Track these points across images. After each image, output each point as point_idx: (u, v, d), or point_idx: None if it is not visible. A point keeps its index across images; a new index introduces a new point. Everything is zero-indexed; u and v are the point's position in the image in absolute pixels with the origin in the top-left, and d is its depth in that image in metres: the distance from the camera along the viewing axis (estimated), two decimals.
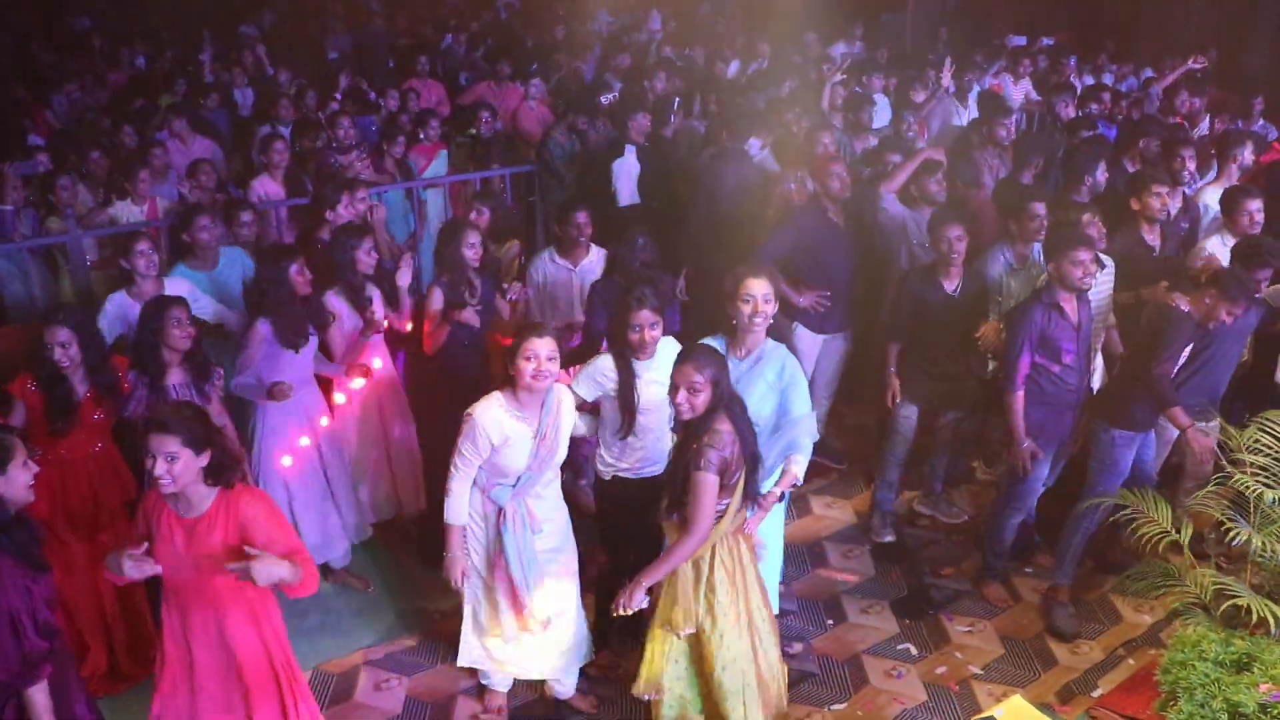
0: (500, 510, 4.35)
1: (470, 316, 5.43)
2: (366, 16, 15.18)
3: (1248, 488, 4.32)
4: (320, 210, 6.19)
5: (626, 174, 7.55)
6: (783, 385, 4.52)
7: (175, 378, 4.81)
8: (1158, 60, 13.09)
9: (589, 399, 4.62)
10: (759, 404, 4.43)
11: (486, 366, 5.82)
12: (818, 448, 6.69)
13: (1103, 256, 5.85)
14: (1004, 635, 5.41)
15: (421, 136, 8.12)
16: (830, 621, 5.51)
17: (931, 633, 5.44)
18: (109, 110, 9.86)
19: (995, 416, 6.08)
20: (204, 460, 3.57)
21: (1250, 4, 13.02)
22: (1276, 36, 12.75)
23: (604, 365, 4.57)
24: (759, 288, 4.42)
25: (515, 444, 4.24)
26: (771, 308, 4.48)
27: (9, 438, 3.57)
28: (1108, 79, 12.50)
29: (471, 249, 5.50)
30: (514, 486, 4.32)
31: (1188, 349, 5.12)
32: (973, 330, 5.74)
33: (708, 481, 3.82)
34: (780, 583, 5.64)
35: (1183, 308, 5.02)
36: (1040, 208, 5.91)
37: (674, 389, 3.89)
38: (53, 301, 6.32)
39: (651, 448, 4.65)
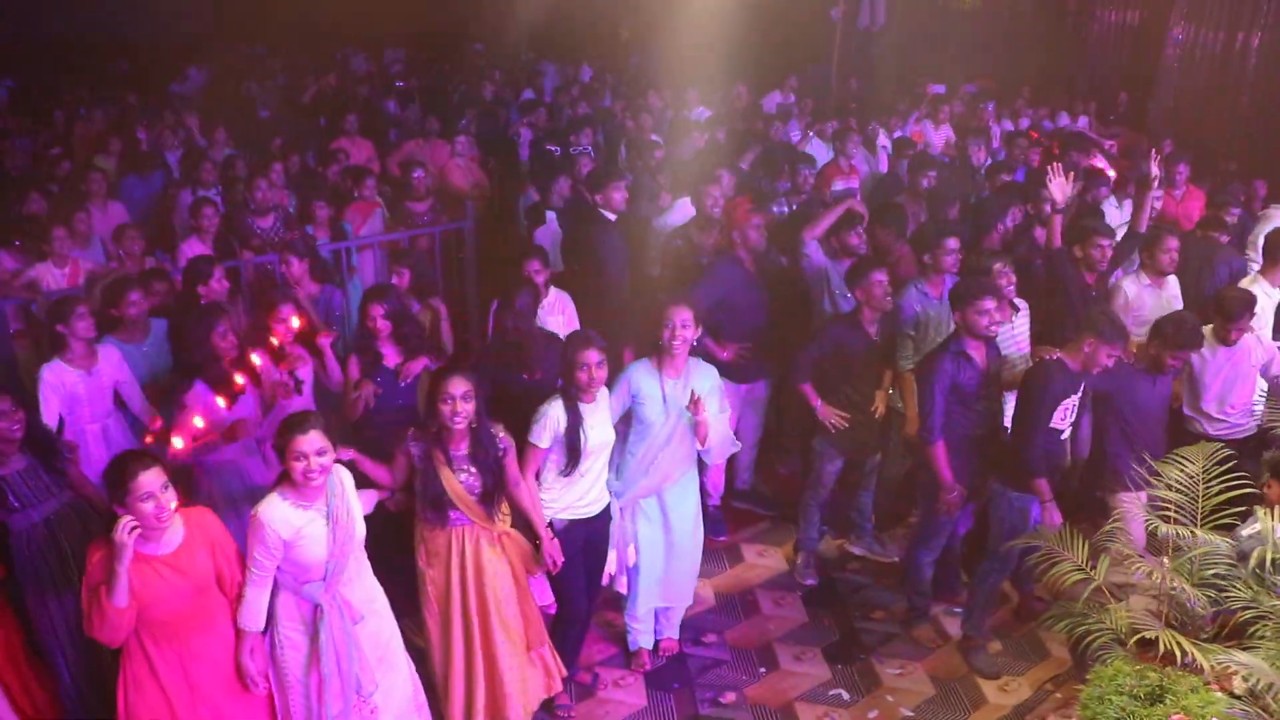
0: (317, 607, 4.14)
1: (369, 392, 5.39)
2: (297, 75, 15.23)
3: (1149, 523, 4.43)
4: (190, 285, 6.05)
5: (550, 241, 7.59)
6: (717, 394, 5.05)
7: (17, 465, 4.61)
8: (1072, 103, 13.55)
9: (547, 446, 4.70)
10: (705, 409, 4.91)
11: None
12: (747, 496, 6.88)
13: (1017, 301, 6.04)
14: (934, 676, 5.49)
15: (356, 195, 8.12)
16: (763, 670, 5.54)
17: (863, 676, 5.50)
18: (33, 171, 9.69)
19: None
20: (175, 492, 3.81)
21: (1156, 48, 13.52)
22: (1181, 79, 13.24)
23: (554, 411, 4.67)
24: (677, 315, 4.88)
25: (308, 538, 4.05)
26: (690, 333, 4.92)
27: None
28: (1024, 123, 12.90)
29: (373, 321, 5.46)
30: (324, 580, 4.12)
31: (1071, 402, 5.17)
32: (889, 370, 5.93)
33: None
34: (712, 633, 5.74)
35: (1052, 357, 5.11)
36: (953, 242, 6.11)
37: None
38: None
39: (588, 489, 4.83)
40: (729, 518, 6.81)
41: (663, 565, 5.26)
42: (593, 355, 4.64)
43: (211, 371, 5.15)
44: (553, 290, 6.40)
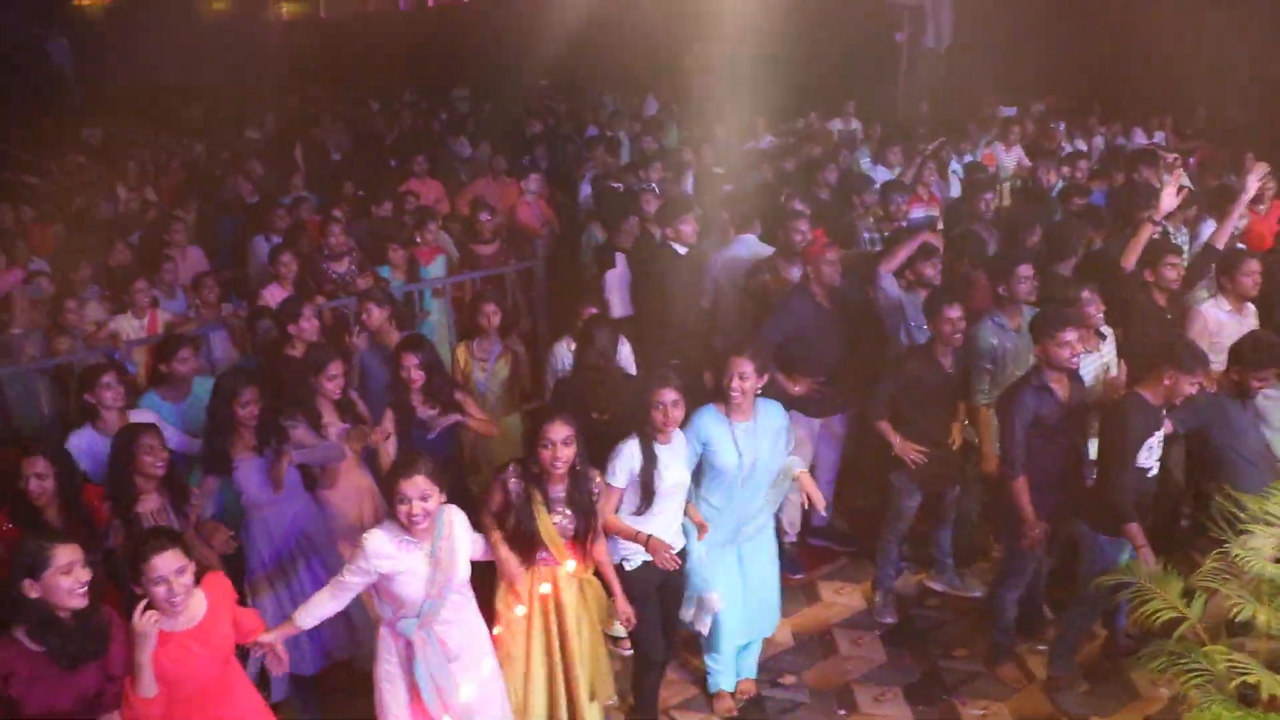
0: (409, 643, 4.19)
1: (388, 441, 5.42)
2: (366, 118, 15.55)
3: (1248, 562, 4.26)
4: (283, 324, 6.13)
5: (618, 283, 7.59)
6: (786, 434, 5.04)
7: (150, 504, 4.76)
8: (1146, 118, 13.26)
9: (623, 486, 4.71)
10: (773, 456, 4.98)
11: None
12: (823, 532, 6.78)
13: (1104, 328, 5.90)
14: (1019, 716, 5.34)
15: (418, 240, 8.23)
16: (842, 711, 5.43)
17: (945, 718, 5.37)
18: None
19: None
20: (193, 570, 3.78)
21: (1230, 59, 13.18)
22: (1260, 89, 12.89)
23: (629, 450, 4.69)
24: (738, 366, 4.82)
25: (408, 573, 4.11)
26: (750, 384, 4.84)
27: (46, 545, 3.63)
28: (1098, 140, 12.65)
29: (407, 371, 5.48)
30: (418, 617, 4.16)
31: (1156, 439, 5.00)
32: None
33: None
34: (790, 674, 5.65)
35: (1134, 392, 4.95)
36: (1027, 269, 5.98)
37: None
38: (60, 420, 6.42)
39: (663, 532, 4.79)
40: (805, 555, 6.72)
41: (741, 601, 5.18)
42: (669, 394, 4.65)
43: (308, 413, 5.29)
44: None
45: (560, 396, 5.77)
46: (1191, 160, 11.74)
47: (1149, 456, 5.00)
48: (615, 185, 9.37)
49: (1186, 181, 9.52)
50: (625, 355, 6.19)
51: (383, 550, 4.08)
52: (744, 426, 4.91)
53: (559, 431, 4.37)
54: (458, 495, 5.49)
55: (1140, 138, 12.71)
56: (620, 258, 7.59)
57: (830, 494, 6.82)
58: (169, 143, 13.76)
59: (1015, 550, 5.37)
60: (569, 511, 4.49)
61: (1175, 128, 13.04)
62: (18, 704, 3.53)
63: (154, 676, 3.64)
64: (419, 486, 4.03)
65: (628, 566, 4.81)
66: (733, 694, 5.45)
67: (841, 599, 6.42)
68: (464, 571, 4.26)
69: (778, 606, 5.45)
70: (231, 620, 4.03)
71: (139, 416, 5.37)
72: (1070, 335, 5.00)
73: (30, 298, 7.55)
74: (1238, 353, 5.30)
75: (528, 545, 4.45)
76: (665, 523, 4.83)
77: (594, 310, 6.30)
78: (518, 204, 9.85)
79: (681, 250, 7.12)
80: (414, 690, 4.22)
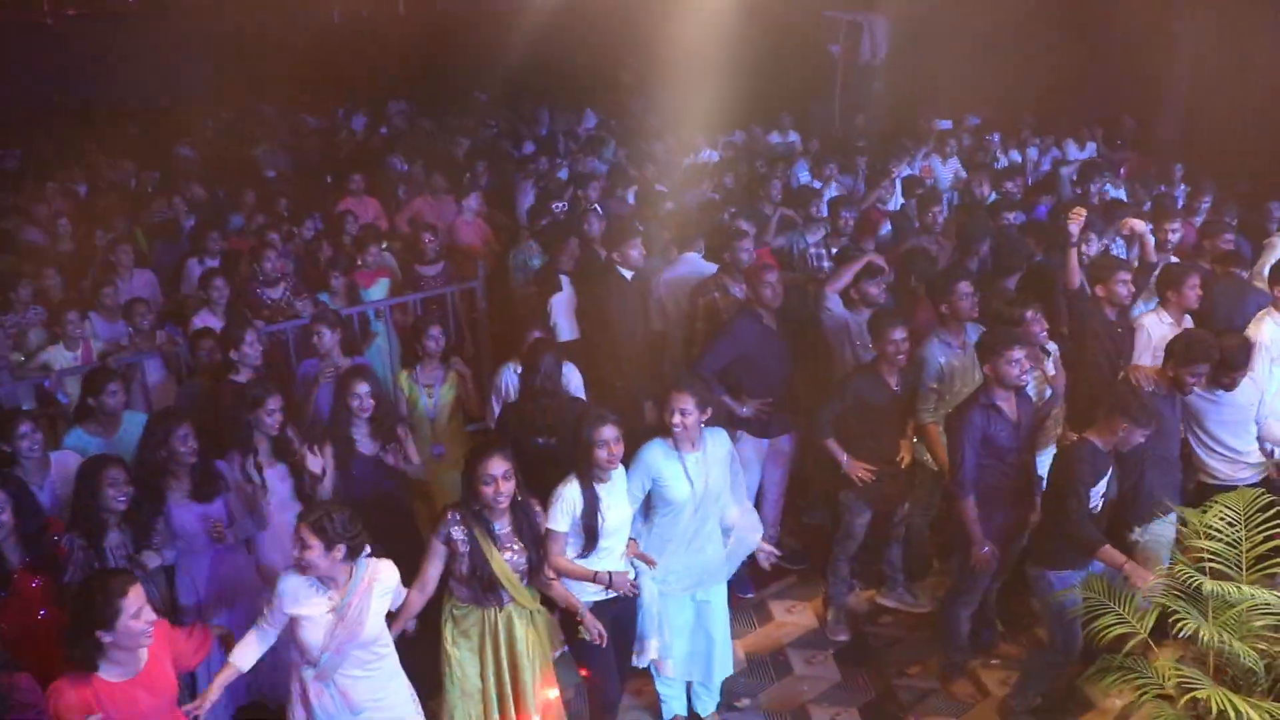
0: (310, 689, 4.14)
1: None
2: (301, 136, 15.29)
3: (1190, 578, 4.30)
4: (225, 349, 6.02)
5: (563, 307, 7.46)
6: (733, 462, 5.04)
7: (112, 539, 4.69)
8: (1076, 130, 13.49)
9: (565, 530, 4.59)
10: (722, 481, 4.98)
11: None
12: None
13: (1049, 344, 5.95)
14: None
15: (360, 262, 8.09)
16: None
17: None
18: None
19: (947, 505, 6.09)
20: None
21: (1160, 72, 13.49)
22: (1188, 101, 13.19)
23: (571, 494, 4.58)
24: (679, 401, 4.77)
25: (310, 621, 4.03)
26: (693, 418, 4.78)
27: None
28: (1032, 152, 12.85)
29: (358, 399, 5.43)
30: (315, 667, 4.09)
31: (1103, 485, 5.01)
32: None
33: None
34: (745, 697, 5.62)
35: (1085, 439, 4.96)
36: (966, 286, 6.01)
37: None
38: None
39: (609, 570, 4.70)
40: (755, 573, 6.64)
41: (691, 641, 5.13)
42: (610, 432, 4.54)
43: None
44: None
45: (505, 422, 5.70)
46: (1122, 171, 11.98)
47: (1096, 496, 5.01)
48: (556, 205, 9.25)
49: (1119, 193, 9.74)
50: (575, 382, 6.13)
51: (292, 593, 4.04)
52: (694, 457, 4.86)
53: (498, 466, 4.29)
54: (403, 533, 5.42)
55: (1073, 150, 12.93)
56: (565, 280, 7.50)
57: (778, 512, 6.82)
58: (97, 162, 13.32)
59: (965, 570, 5.39)
60: (518, 545, 4.41)
61: (1105, 139, 13.28)
62: None
63: None
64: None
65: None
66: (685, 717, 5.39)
67: (793, 617, 6.40)
68: (372, 630, 4.12)
69: (730, 655, 5.34)
70: (173, 659, 3.94)
71: (63, 458, 5.24)
72: (1018, 354, 5.04)
73: None
74: (1171, 350, 5.41)
75: (489, 588, 4.35)
76: (610, 562, 4.72)
77: (539, 334, 6.22)
78: (457, 223, 9.73)
79: (627, 274, 7.07)
80: None
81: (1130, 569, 4.78)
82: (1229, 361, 5.45)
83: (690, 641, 5.14)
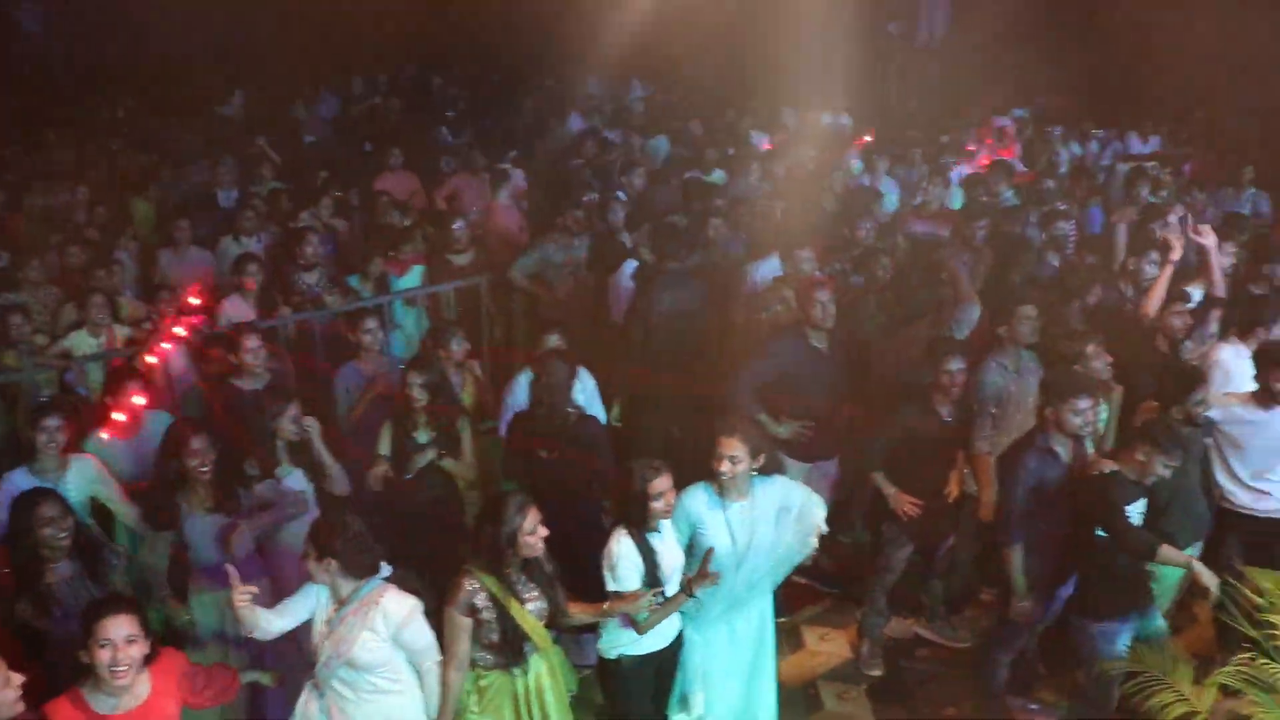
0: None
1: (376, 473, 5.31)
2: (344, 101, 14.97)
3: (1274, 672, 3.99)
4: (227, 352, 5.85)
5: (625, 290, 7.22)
6: (794, 507, 4.61)
7: (63, 571, 4.38)
8: (1141, 122, 12.96)
9: (636, 587, 4.29)
10: (775, 536, 4.58)
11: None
12: (809, 572, 6.50)
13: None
14: None
15: (391, 254, 7.84)
16: None
17: None
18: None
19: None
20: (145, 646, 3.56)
21: (1230, 62, 12.87)
22: (1261, 97, 12.55)
23: (626, 551, 4.28)
24: (727, 448, 4.42)
25: (314, 623, 3.98)
26: (743, 466, 4.45)
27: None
28: (1093, 146, 12.37)
29: (410, 390, 5.29)
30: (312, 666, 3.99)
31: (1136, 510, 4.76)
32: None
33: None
34: None
35: (1107, 469, 4.69)
36: (1031, 310, 5.71)
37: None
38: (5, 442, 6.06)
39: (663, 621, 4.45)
40: (789, 594, 6.39)
41: (734, 687, 4.80)
42: (664, 483, 4.25)
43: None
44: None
45: (514, 433, 5.56)
46: (1186, 169, 11.49)
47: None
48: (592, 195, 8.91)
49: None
50: (588, 387, 5.92)
51: (312, 589, 3.99)
52: (738, 507, 4.52)
53: (535, 516, 4.05)
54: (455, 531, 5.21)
55: (1135, 143, 12.44)
56: (630, 264, 7.22)
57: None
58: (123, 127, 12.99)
59: (1007, 619, 5.11)
60: (535, 590, 4.16)
61: (1170, 133, 12.75)
62: None
63: None
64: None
65: (624, 660, 4.43)
66: None
67: (826, 646, 6.16)
68: (362, 657, 3.90)
69: (774, 702, 5.02)
70: (179, 698, 3.76)
71: (80, 466, 5.05)
72: (1085, 404, 4.74)
73: None
74: (1163, 390, 5.22)
75: (517, 649, 4.10)
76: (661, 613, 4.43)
77: (553, 341, 5.96)
78: (493, 207, 9.41)
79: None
80: None
81: (1198, 569, 4.52)
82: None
83: (732, 694, 4.81)
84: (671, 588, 4.40)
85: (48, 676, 4.22)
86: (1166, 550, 4.60)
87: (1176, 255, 6.15)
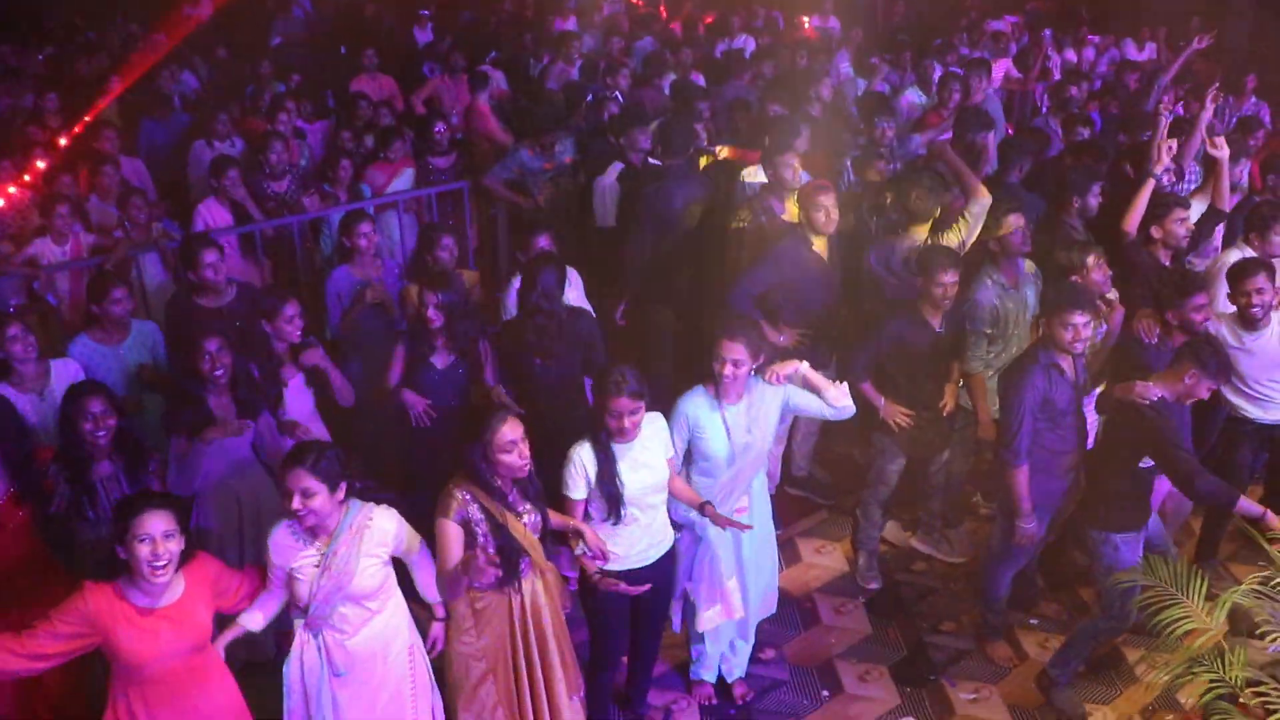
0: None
1: (419, 406, 5.15)
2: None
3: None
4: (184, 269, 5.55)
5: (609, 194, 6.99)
6: (791, 405, 4.58)
7: (103, 470, 4.36)
8: (1135, 30, 12.64)
9: (582, 497, 4.18)
10: (766, 437, 4.56)
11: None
12: (803, 483, 6.40)
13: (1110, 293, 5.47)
14: (1012, 704, 5.05)
15: (381, 156, 7.52)
16: (826, 693, 5.13)
17: (935, 702, 5.08)
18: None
19: (988, 450, 5.68)
20: (182, 542, 3.52)
21: None
22: (1260, 5, 12.26)
23: (583, 456, 4.15)
24: (730, 351, 4.34)
25: (299, 571, 3.77)
26: (744, 369, 4.37)
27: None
28: (1089, 53, 12.07)
29: (426, 309, 5.04)
30: (304, 616, 3.86)
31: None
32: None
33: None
34: (770, 647, 5.32)
35: (1154, 395, 4.49)
36: (1019, 219, 5.47)
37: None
38: None
39: (639, 538, 4.31)
40: (784, 507, 6.32)
41: (730, 580, 4.72)
42: (624, 404, 4.04)
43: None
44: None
45: (502, 342, 5.37)
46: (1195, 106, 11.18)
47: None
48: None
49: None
50: (579, 289, 5.78)
51: (280, 547, 3.79)
52: (736, 409, 4.44)
53: (515, 430, 3.85)
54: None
55: (1131, 50, 12.14)
56: (616, 166, 7.00)
57: (811, 446, 6.48)
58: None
59: (1009, 539, 5.00)
60: (528, 504, 4.01)
61: (1168, 40, 12.44)
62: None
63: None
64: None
65: (591, 572, 4.23)
66: (717, 689, 5.09)
67: (822, 559, 6.09)
68: (363, 583, 3.79)
69: (776, 580, 5.02)
70: (212, 603, 3.71)
71: (65, 367, 4.92)
72: (1078, 318, 4.54)
73: None
74: (1160, 295, 5.10)
75: (511, 565, 3.94)
76: (640, 530, 4.30)
77: (547, 239, 5.78)
78: (477, 109, 9.06)
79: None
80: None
81: (1272, 518, 4.31)
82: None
83: (723, 583, 4.72)
84: (645, 510, 4.26)
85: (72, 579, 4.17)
86: (1245, 504, 4.38)
87: (1159, 168, 5.94)
